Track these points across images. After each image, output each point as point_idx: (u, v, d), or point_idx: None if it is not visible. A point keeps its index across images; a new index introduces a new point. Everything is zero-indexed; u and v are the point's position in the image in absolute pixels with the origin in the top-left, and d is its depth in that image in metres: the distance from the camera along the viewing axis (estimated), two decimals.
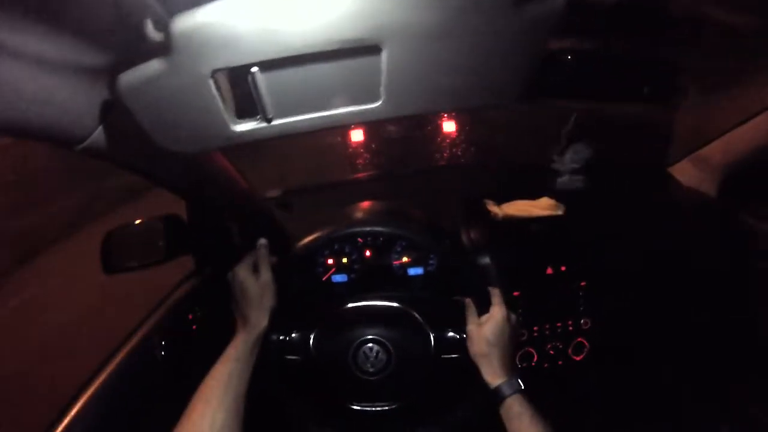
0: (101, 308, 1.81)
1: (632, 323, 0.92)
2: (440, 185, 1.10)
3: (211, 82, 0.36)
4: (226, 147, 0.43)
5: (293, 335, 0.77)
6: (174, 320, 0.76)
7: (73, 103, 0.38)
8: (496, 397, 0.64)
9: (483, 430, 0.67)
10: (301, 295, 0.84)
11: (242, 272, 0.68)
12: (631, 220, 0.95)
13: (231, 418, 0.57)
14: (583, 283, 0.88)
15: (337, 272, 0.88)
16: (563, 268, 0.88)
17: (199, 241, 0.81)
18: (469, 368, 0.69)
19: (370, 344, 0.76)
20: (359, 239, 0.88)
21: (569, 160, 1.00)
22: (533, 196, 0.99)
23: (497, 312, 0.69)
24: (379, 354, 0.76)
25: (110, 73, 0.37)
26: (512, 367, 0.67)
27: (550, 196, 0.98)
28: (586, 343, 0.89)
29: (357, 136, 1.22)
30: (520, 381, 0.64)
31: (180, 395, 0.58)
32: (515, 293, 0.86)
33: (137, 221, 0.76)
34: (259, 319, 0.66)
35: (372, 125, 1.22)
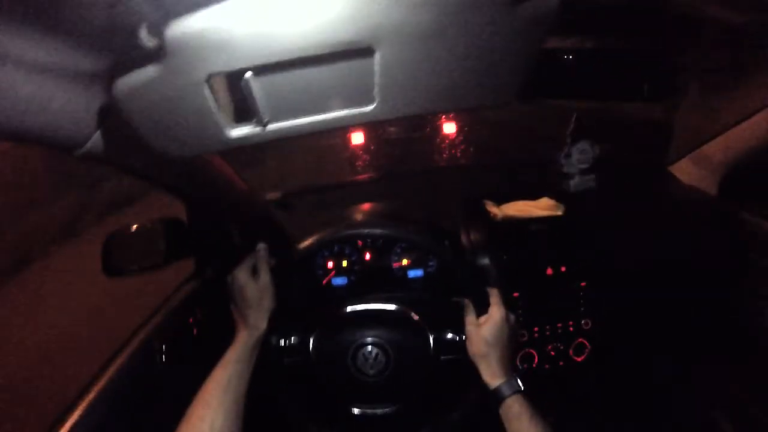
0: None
1: (633, 323, 0.91)
2: (440, 186, 1.10)
3: (206, 86, 0.36)
4: (223, 151, 0.44)
5: (293, 338, 0.77)
6: (174, 323, 0.76)
7: (71, 108, 0.39)
8: (495, 398, 0.63)
9: (484, 429, 0.67)
10: (301, 298, 0.84)
11: (241, 275, 0.68)
12: (631, 220, 0.95)
13: (230, 421, 0.57)
14: (583, 284, 0.88)
15: (337, 275, 0.88)
16: (563, 269, 0.87)
17: (200, 243, 0.82)
18: (468, 369, 0.69)
19: (369, 347, 0.76)
20: (359, 241, 0.88)
21: (576, 161, 0.99)
22: (533, 196, 0.99)
23: (496, 312, 0.69)
24: (379, 356, 0.76)
25: (106, 79, 0.37)
26: (511, 367, 0.67)
27: (550, 197, 0.98)
28: (587, 344, 0.88)
29: (357, 137, 1.22)
30: (519, 381, 0.64)
31: (181, 398, 0.59)
32: (515, 294, 0.86)
33: (138, 224, 0.76)
34: (258, 322, 0.66)
35: (371, 127, 1.22)
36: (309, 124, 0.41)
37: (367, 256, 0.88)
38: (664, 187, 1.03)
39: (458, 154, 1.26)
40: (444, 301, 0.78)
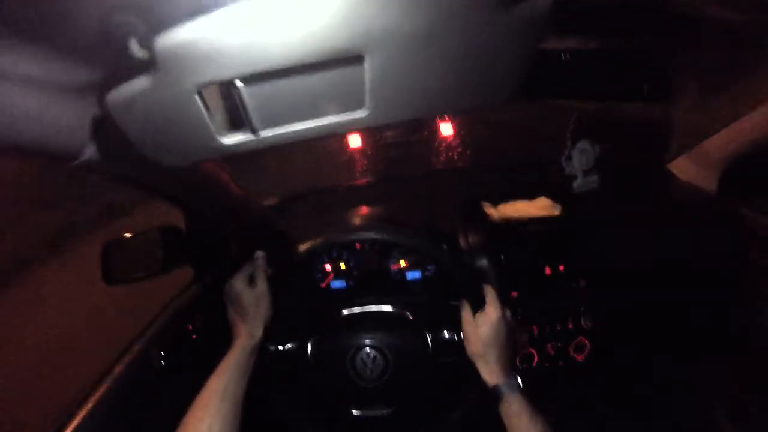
0: None
1: (633, 322, 0.91)
2: (437, 188, 1.10)
3: (196, 96, 0.36)
4: (217, 159, 0.44)
5: (290, 344, 0.77)
6: (173, 330, 0.77)
7: (65, 119, 0.39)
8: (495, 397, 0.63)
9: (484, 430, 0.67)
10: (300, 302, 0.84)
11: (238, 283, 0.69)
12: (630, 219, 0.95)
13: (228, 427, 0.57)
14: (582, 283, 0.88)
15: (335, 278, 0.88)
16: (561, 268, 0.87)
17: (197, 250, 0.82)
18: (468, 370, 0.69)
19: (367, 350, 0.76)
20: (357, 245, 0.88)
21: (578, 162, 0.99)
22: (531, 197, 0.99)
23: (492, 311, 0.69)
24: (377, 359, 0.76)
25: (99, 90, 0.38)
26: (511, 366, 0.67)
27: (548, 197, 0.98)
28: (587, 343, 0.88)
29: (354, 141, 1.23)
30: (519, 380, 0.64)
31: (179, 404, 0.59)
32: (514, 294, 0.86)
33: (135, 233, 0.76)
34: (254, 329, 0.67)
35: (368, 131, 1.23)
36: (301, 131, 0.41)
37: (366, 260, 0.88)
38: (663, 186, 1.03)
39: (455, 156, 1.26)
40: (442, 303, 0.78)
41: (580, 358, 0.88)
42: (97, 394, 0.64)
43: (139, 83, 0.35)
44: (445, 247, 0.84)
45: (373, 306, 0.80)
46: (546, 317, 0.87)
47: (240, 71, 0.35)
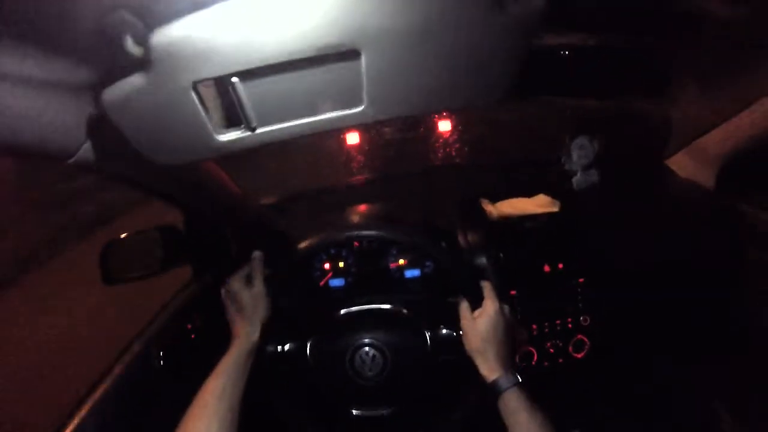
0: None
1: (632, 320, 0.91)
2: (436, 186, 1.10)
3: (192, 93, 0.36)
4: (214, 157, 0.44)
5: (288, 345, 0.77)
6: (172, 329, 0.77)
7: (61, 118, 0.39)
8: (493, 392, 0.63)
9: (484, 429, 0.67)
10: (299, 300, 0.84)
11: (235, 284, 0.70)
12: (629, 216, 0.95)
13: (226, 429, 0.57)
14: (581, 280, 0.88)
15: (334, 276, 0.88)
16: (561, 266, 0.87)
17: (196, 250, 0.82)
18: (467, 368, 0.69)
19: (366, 348, 0.76)
20: (355, 243, 0.88)
21: (577, 157, 0.98)
22: (529, 194, 0.99)
23: (489, 306, 0.68)
24: (376, 358, 0.75)
25: (95, 89, 0.38)
26: (509, 361, 0.67)
27: (546, 193, 0.98)
28: (587, 341, 0.88)
29: (352, 139, 1.22)
30: (518, 375, 0.64)
31: (179, 404, 0.59)
32: (513, 292, 0.86)
33: (134, 232, 0.76)
34: (251, 331, 0.67)
35: (366, 128, 1.22)
36: (298, 127, 0.41)
37: (364, 258, 0.88)
38: (661, 182, 1.03)
39: (454, 154, 1.26)
40: (441, 300, 0.78)
41: (579, 356, 0.88)
42: (97, 394, 0.64)
43: (135, 81, 0.35)
44: (443, 244, 0.84)
45: (372, 304, 0.80)
46: (545, 315, 0.87)
47: (236, 67, 0.35)
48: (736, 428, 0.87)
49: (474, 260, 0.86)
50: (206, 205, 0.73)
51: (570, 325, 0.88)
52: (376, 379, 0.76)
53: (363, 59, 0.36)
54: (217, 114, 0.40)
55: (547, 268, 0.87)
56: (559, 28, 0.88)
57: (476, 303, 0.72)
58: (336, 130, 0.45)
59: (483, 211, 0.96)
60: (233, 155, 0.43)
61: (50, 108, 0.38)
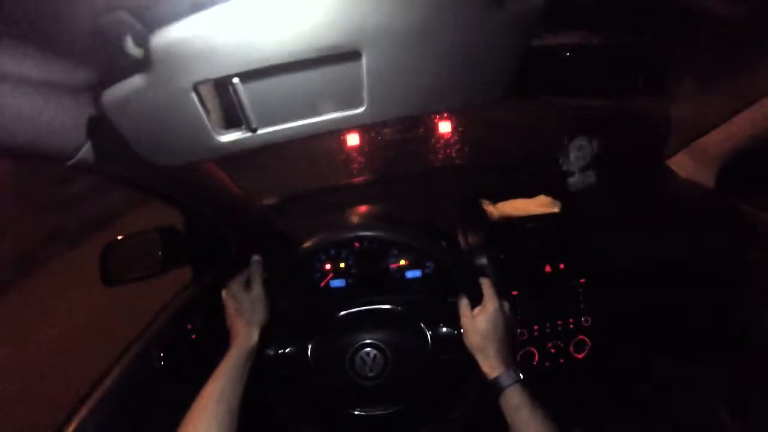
0: None
1: (633, 321, 0.91)
2: (436, 186, 1.10)
3: (193, 94, 0.36)
4: (214, 158, 0.44)
5: (290, 348, 0.77)
6: (173, 330, 0.77)
7: (60, 120, 0.39)
8: (495, 390, 0.63)
9: (485, 427, 0.67)
10: (299, 301, 0.84)
11: (234, 288, 0.70)
12: (630, 217, 0.95)
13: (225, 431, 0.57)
14: (582, 281, 0.88)
15: (334, 277, 0.88)
16: (562, 266, 0.87)
17: (196, 251, 0.82)
18: (468, 367, 0.69)
19: (367, 349, 0.76)
20: (356, 244, 0.88)
21: (575, 158, 0.98)
22: (530, 194, 0.99)
23: (489, 303, 0.68)
24: (377, 358, 0.75)
25: (94, 90, 0.37)
26: (510, 358, 0.66)
27: (547, 194, 0.98)
28: (588, 341, 0.88)
29: (352, 139, 1.22)
30: (519, 373, 0.64)
31: (179, 405, 0.59)
32: (514, 292, 0.86)
33: (133, 233, 0.76)
34: (249, 334, 0.68)
35: (366, 128, 1.22)
36: (298, 128, 0.41)
37: (365, 259, 0.88)
38: (662, 183, 1.03)
39: (454, 154, 1.26)
40: (442, 301, 0.78)
41: (580, 356, 0.88)
42: (97, 394, 0.64)
43: (135, 82, 0.35)
44: (444, 244, 0.84)
45: (373, 305, 0.80)
46: (546, 316, 0.87)
47: (237, 68, 0.35)
48: (736, 428, 0.87)
49: (475, 261, 0.85)
50: (206, 206, 0.73)
51: (571, 326, 0.87)
52: (377, 380, 0.76)
53: (364, 59, 0.36)
54: (217, 115, 0.40)
55: (548, 269, 0.87)
56: (558, 27, 0.88)
57: (476, 301, 0.72)
58: (336, 131, 0.45)
59: (483, 212, 0.96)
60: (233, 155, 0.43)
61: (49, 109, 0.37)
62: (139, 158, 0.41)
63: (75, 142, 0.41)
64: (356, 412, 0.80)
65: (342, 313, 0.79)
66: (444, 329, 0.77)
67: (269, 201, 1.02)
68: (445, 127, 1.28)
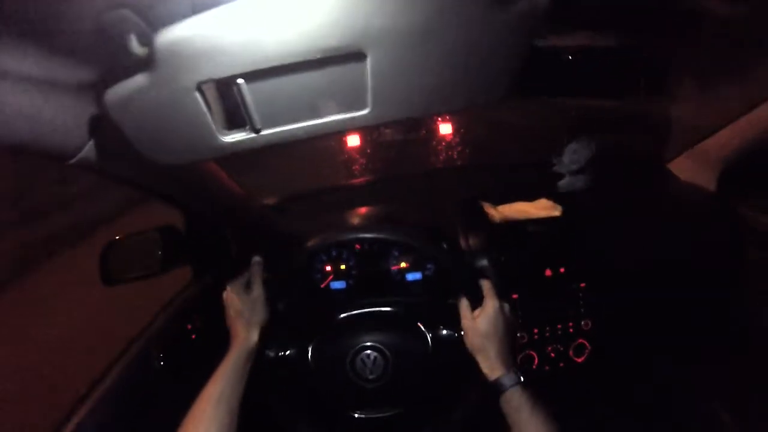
0: None
1: (633, 324, 0.91)
2: (437, 188, 1.10)
3: (197, 94, 0.36)
4: (216, 158, 0.44)
5: (290, 350, 0.77)
6: (173, 330, 0.76)
7: (62, 118, 0.39)
8: (495, 391, 0.63)
9: (486, 429, 0.67)
10: (300, 302, 0.84)
11: (234, 289, 0.70)
12: (630, 219, 0.95)
13: None
14: (582, 285, 0.88)
15: (335, 279, 0.88)
16: (562, 270, 0.87)
17: (197, 250, 0.82)
18: (468, 368, 0.69)
19: (367, 351, 0.76)
20: (357, 245, 0.87)
21: (568, 161, 0.99)
22: (531, 197, 0.99)
23: (489, 304, 0.68)
24: (377, 360, 0.75)
25: (97, 88, 0.37)
26: (510, 359, 0.66)
27: (548, 197, 0.98)
28: (587, 345, 0.88)
29: (353, 140, 1.22)
30: (519, 374, 0.63)
31: (179, 406, 0.58)
32: (514, 296, 0.86)
33: (133, 233, 0.76)
34: (249, 335, 0.67)
35: (367, 129, 1.22)
36: (302, 129, 0.41)
37: (365, 260, 0.88)
38: (663, 186, 1.03)
39: (455, 156, 1.26)
40: (442, 303, 0.78)
41: (580, 360, 0.88)
42: (97, 394, 0.63)
43: (138, 81, 0.35)
44: (444, 246, 0.84)
45: (373, 307, 0.80)
46: (546, 319, 0.87)
47: (241, 69, 0.35)
48: (736, 428, 0.87)
49: (475, 262, 0.85)
50: (206, 206, 0.73)
51: (571, 329, 0.87)
52: (378, 382, 0.75)
53: (369, 61, 0.36)
54: (220, 115, 0.40)
55: (548, 273, 0.87)
56: (561, 28, 0.88)
57: (477, 303, 0.71)
58: (333, 134, 0.45)
59: (485, 214, 0.96)
60: (235, 155, 0.43)
61: (50, 107, 0.37)
62: (141, 157, 0.41)
63: (76, 141, 0.41)
64: (356, 415, 0.79)
65: (342, 315, 0.79)
66: (444, 331, 0.76)
67: (269, 201, 1.02)
68: (446, 128, 1.28)
